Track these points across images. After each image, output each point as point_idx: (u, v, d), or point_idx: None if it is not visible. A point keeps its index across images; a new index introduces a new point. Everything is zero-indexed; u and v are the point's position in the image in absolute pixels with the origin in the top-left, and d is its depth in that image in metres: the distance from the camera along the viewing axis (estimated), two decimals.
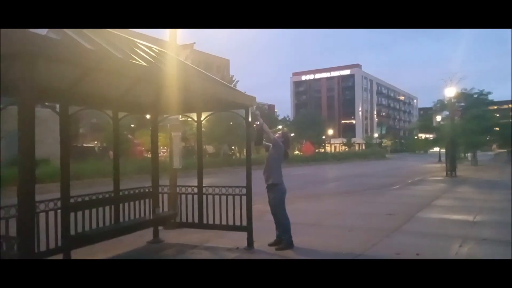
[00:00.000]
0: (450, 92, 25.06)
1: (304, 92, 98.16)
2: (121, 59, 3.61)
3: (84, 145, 27.78)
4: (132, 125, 27.03)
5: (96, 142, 29.10)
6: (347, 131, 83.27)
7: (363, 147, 76.18)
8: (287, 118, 60.75)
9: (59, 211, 4.52)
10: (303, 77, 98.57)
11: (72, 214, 4.69)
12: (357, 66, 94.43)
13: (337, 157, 45.92)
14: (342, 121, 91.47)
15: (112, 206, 5.49)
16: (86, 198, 4.97)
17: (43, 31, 2.81)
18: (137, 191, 5.94)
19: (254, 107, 5.97)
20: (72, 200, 4.75)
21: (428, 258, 5.08)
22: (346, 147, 71.62)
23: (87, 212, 4.97)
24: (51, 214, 4.43)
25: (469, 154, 33.61)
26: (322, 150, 54.63)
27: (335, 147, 75.06)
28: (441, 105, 33.20)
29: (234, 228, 5.84)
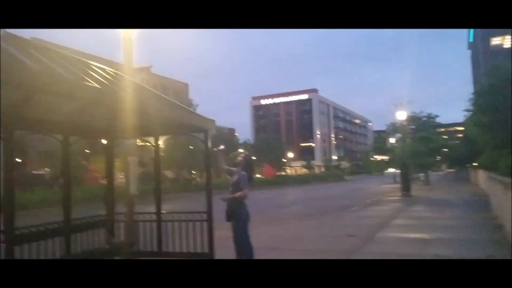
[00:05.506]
0: (401, 115, 26.37)
1: (263, 116, 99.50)
2: (71, 81, 3.43)
3: (33, 172, 26.19)
4: (87, 151, 25.92)
5: (46, 169, 27.53)
6: (306, 154, 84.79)
7: (323, 170, 77.70)
8: (248, 142, 61.00)
9: (2, 244, 4.14)
10: (262, 101, 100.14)
11: (17, 248, 4.31)
12: (314, 91, 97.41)
13: (297, 180, 46.38)
14: (301, 144, 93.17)
15: (63, 237, 5.12)
16: (33, 229, 4.60)
17: None
18: (90, 219, 5.61)
19: (214, 130, 5.89)
20: (17, 232, 4.37)
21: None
22: (306, 169, 72.72)
23: (34, 244, 4.59)
24: None
25: (421, 174, 35.18)
26: (283, 173, 55.07)
27: (295, 169, 76.03)
28: (393, 128, 34.82)
29: (195, 255, 5.62)
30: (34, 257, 4.57)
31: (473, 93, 26.22)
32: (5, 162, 4.27)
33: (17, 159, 22.69)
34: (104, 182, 6.53)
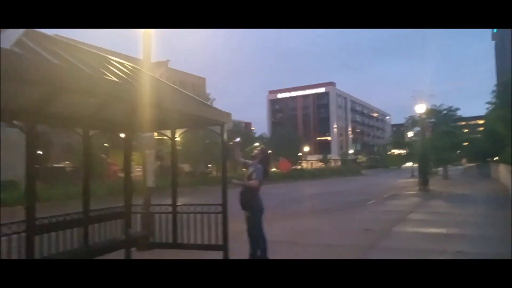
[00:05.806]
0: (421, 108, 25.84)
1: (280, 110, 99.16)
2: (91, 75, 3.50)
3: (54, 165, 26.84)
4: (106, 144, 26.40)
5: (67, 162, 28.17)
6: (323, 148, 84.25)
7: (339, 164, 77.11)
8: (264, 136, 60.98)
9: (23, 234, 4.28)
10: (279, 95, 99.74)
11: (37, 237, 4.45)
12: (332, 84, 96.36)
13: (313, 174, 46.16)
14: (318, 138, 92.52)
15: (81, 228, 5.26)
16: (53, 220, 4.74)
17: (6, 45, 2.69)
18: (108, 211, 5.73)
19: (230, 124, 5.92)
20: (37, 222, 4.51)
21: None
22: (322, 163, 72.32)
23: (53, 234, 4.73)
24: (15, 238, 4.18)
25: (440, 168, 34.52)
26: (299, 167, 54.91)
27: (311, 163, 75.67)
28: (412, 122, 34.24)
29: (210, 247, 5.69)
30: (53, 246, 4.71)
31: (497, 85, 25.51)
32: (27, 155, 4.41)
33: (38, 152, 23.28)
34: (122, 175, 6.66)
